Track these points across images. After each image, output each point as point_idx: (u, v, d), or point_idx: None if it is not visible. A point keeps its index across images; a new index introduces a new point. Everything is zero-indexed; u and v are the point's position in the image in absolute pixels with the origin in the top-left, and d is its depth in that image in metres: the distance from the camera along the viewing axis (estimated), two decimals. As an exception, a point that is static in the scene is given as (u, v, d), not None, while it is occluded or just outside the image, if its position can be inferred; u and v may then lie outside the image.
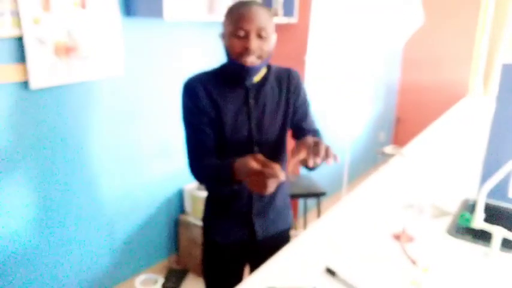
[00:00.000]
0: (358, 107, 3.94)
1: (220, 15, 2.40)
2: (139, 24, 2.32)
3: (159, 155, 2.62)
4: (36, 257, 2.10)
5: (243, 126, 1.39)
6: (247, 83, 1.37)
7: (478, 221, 1.36)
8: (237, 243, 1.55)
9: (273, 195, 1.52)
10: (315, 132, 1.52)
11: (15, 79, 1.84)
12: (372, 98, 4.24)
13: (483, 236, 1.50)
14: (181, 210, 2.85)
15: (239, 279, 1.64)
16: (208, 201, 1.58)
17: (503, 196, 1.65)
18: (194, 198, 2.71)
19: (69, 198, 2.19)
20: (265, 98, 1.41)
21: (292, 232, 1.68)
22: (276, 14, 2.81)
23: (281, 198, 1.56)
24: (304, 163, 1.16)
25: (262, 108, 1.41)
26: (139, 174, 2.53)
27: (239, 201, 1.48)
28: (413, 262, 1.28)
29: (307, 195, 2.74)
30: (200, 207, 2.58)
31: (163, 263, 2.82)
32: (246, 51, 1.27)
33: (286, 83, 1.45)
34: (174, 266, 2.87)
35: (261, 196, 1.48)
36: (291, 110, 1.46)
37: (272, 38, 1.33)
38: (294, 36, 3.07)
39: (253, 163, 1.11)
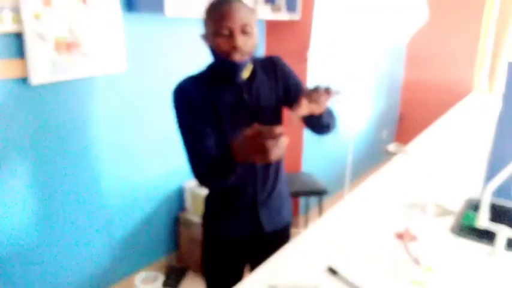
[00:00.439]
0: (361, 104, 3.92)
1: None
2: (141, 20, 2.30)
3: (160, 152, 2.61)
4: (35, 254, 2.10)
5: (241, 122, 1.38)
6: (238, 79, 1.36)
7: (483, 220, 1.35)
8: (243, 237, 1.54)
9: (275, 184, 1.52)
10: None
11: (15, 75, 1.83)
12: (375, 96, 4.22)
13: (487, 236, 1.48)
14: (182, 207, 2.84)
15: (239, 278, 1.63)
16: (210, 199, 1.57)
17: (508, 195, 1.63)
18: (194, 196, 2.70)
19: (69, 195, 2.18)
20: (258, 90, 1.42)
21: (293, 230, 1.67)
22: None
23: (282, 187, 1.57)
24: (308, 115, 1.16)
25: (257, 101, 1.41)
26: (139, 171, 2.52)
27: (244, 195, 1.47)
28: (416, 261, 1.28)
29: (308, 193, 2.72)
30: (200, 205, 2.57)
31: (163, 261, 2.82)
32: (233, 49, 1.27)
33: (272, 70, 1.46)
34: (174, 264, 2.86)
35: (264, 183, 1.48)
36: (284, 93, 1.46)
37: (256, 33, 1.33)
38: (296, 32, 3.06)
39: (247, 131, 1.07)
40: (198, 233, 2.65)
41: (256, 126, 1.05)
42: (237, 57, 1.28)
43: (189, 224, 2.72)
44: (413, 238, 1.44)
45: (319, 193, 2.72)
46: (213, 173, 1.29)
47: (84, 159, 2.21)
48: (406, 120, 4.80)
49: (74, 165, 2.16)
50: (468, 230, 1.58)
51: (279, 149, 1.02)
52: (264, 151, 1.02)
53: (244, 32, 1.27)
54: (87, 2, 1.99)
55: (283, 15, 2.90)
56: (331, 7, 3.14)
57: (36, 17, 1.81)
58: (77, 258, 2.30)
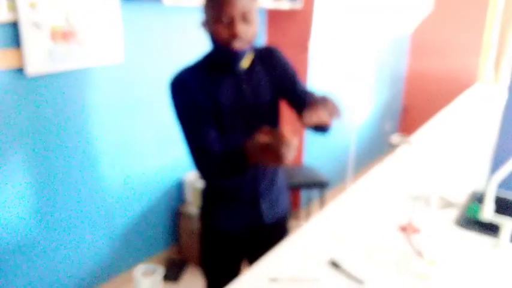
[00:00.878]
0: (364, 95, 3.89)
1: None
2: (139, 9, 2.27)
3: (160, 144, 2.60)
4: (34, 248, 2.09)
5: (241, 113, 1.37)
6: (237, 69, 1.34)
7: (487, 213, 1.34)
8: (243, 229, 1.53)
9: (274, 175, 1.52)
10: (311, 94, 1.50)
11: (10, 66, 1.80)
12: (378, 86, 4.18)
13: (491, 228, 1.48)
14: (182, 200, 2.83)
15: (237, 270, 1.63)
16: (208, 191, 1.55)
17: (512, 187, 1.61)
18: (194, 189, 2.68)
19: (68, 188, 2.17)
20: (257, 81, 1.40)
21: (294, 223, 1.66)
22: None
23: (280, 178, 1.57)
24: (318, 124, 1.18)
25: (255, 91, 1.39)
26: (139, 164, 2.50)
27: (244, 186, 1.46)
28: (420, 254, 1.27)
29: (309, 185, 2.71)
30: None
31: (163, 254, 2.81)
32: (233, 36, 1.24)
33: (270, 60, 1.44)
34: (174, 257, 2.86)
35: (265, 175, 1.48)
36: (280, 84, 1.45)
37: (257, 22, 1.31)
38: (298, 22, 3.03)
39: (261, 137, 1.09)
40: (198, 225, 2.64)
41: (268, 131, 1.08)
42: (237, 45, 1.26)
43: (189, 216, 2.71)
44: (416, 230, 1.43)
45: (320, 185, 2.70)
46: (220, 169, 1.27)
47: (82, 151, 2.19)
48: (410, 112, 4.77)
49: (71, 157, 2.15)
50: (472, 222, 1.57)
51: (291, 152, 1.05)
52: (278, 156, 1.05)
53: (245, 19, 1.25)
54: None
55: (285, 4, 2.87)
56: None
57: (32, 5, 1.78)
58: (77, 251, 2.29)
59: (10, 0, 1.72)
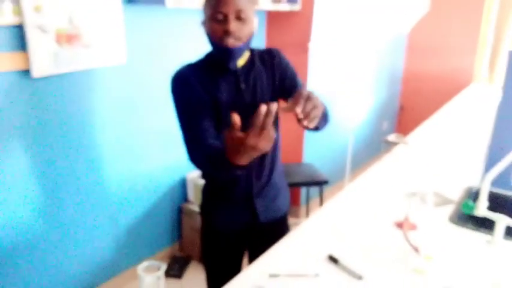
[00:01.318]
0: (362, 95, 3.92)
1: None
2: (141, 12, 2.30)
3: (162, 143, 2.62)
4: (39, 245, 2.11)
5: (239, 111, 1.37)
6: (232, 66, 1.36)
7: (482, 209, 1.35)
8: (239, 227, 1.56)
9: (270, 175, 1.53)
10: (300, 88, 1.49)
11: (16, 67, 1.83)
12: (375, 86, 4.21)
13: (486, 224, 1.49)
14: (184, 198, 2.86)
15: (239, 266, 1.65)
16: (207, 189, 1.58)
17: (507, 184, 1.64)
18: (197, 187, 2.71)
19: (72, 187, 2.19)
20: (255, 81, 1.42)
21: (294, 220, 1.68)
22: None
23: (277, 176, 1.57)
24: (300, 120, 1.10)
25: (254, 91, 1.42)
26: (142, 162, 2.53)
27: (239, 185, 1.48)
28: (416, 250, 1.28)
29: (309, 183, 2.74)
30: (203, 196, 2.59)
31: (166, 251, 2.84)
32: (225, 33, 1.27)
33: (270, 61, 1.46)
34: (178, 254, 2.88)
35: (260, 174, 1.49)
36: (280, 85, 1.46)
37: (252, 21, 1.33)
38: (297, 23, 3.05)
39: (231, 134, 1.02)
40: (199, 223, 2.68)
41: (235, 126, 1.01)
42: (229, 42, 1.28)
43: (191, 214, 2.74)
44: (413, 227, 1.45)
45: (320, 183, 2.73)
46: (209, 164, 1.24)
47: (87, 150, 2.22)
48: (407, 111, 4.80)
49: (76, 156, 2.17)
50: (467, 218, 1.59)
51: (265, 140, 0.99)
52: (251, 149, 1.00)
53: (239, 17, 1.28)
54: (88, -6, 1.99)
55: (284, 6, 2.89)
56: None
57: (37, 9, 1.81)
58: (82, 249, 2.32)
59: (15, 4, 1.75)
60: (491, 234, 1.40)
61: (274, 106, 0.96)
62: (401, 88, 4.79)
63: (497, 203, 1.69)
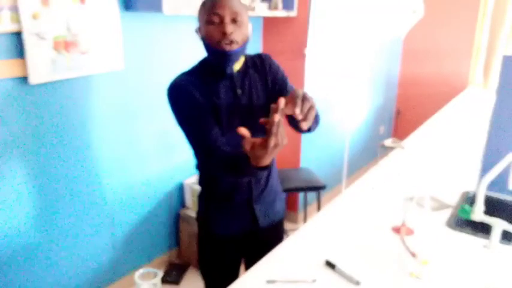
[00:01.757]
0: (358, 99, 3.94)
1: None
2: (139, 18, 2.31)
3: (160, 149, 2.62)
4: (36, 252, 2.11)
5: (236, 115, 1.39)
6: (229, 70, 1.37)
7: (478, 213, 1.36)
8: (238, 233, 1.56)
9: (268, 179, 1.54)
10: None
11: (14, 74, 1.83)
12: (372, 91, 4.23)
13: (483, 228, 1.50)
14: (182, 204, 2.86)
15: (236, 273, 1.65)
16: (205, 196, 1.58)
17: (503, 188, 1.65)
18: (194, 193, 2.71)
19: (70, 193, 2.19)
20: (250, 85, 1.43)
21: (291, 226, 1.69)
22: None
23: (274, 180, 1.59)
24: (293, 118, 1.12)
25: (249, 95, 1.43)
26: (139, 168, 2.53)
27: (239, 190, 1.49)
28: (413, 255, 1.28)
29: (307, 188, 2.74)
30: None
31: (164, 257, 2.83)
32: (223, 36, 1.28)
33: (261, 66, 1.47)
34: (175, 260, 2.88)
35: (259, 179, 1.50)
36: (272, 88, 1.47)
37: (247, 26, 1.34)
38: (293, 29, 3.07)
39: (249, 143, 1.05)
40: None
41: (246, 139, 1.04)
42: (227, 46, 1.29)
43: (189, 220, 2.74)
44: (410, 232, 1.45)
45: (317, 188, 2.73)
46: (232, 170, 1.25)
47: (84, 157, 2.22)
48: (403, 116, 4.82)
49: (74, 163, 2.17)
50: (464, 223, 1.60)
51: (282, 136, 1.02)
52: (273, 149, 1.02)
53: (235, 21, 1.29)
54: (85, 1, 2.00)
55: (280, 12, 2.91)
56: (328, 3, 3.15)
57: (35, 16, 1.82)
58: (79, 255, 2.31)
59: (13, 11, 1.75)
60: (488, 239, 1.40)
61: (282, 102, 0.99)
62: (397, 93, 4.81)
63: (493, 207, 1.70)
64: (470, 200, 1.75)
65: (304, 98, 1.09)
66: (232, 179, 1.47)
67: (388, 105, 4.71)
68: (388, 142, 1.82)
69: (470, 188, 1.82)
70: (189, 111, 1.35)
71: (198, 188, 2.66)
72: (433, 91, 4.48)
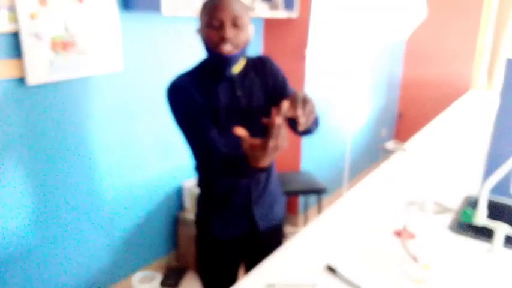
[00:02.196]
0: (360, 102, 3.92)
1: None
2: (137, 19, 2.30)
3: (158, 152, 2.62)
4: (34, 255, 2.10)
5: (236, 116, 1.39)
6: (227, 73, 1.36)
7: (481, 218, 1.36)
8: (237, 236, 1.55)
9: (267, 181, 1.54)
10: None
11: (11, 75, 1.82)
12: (374, 93, 4.22)
13: (485, 233, 1.49)
14: (181, 207, 2.84)
15: (235, 276, 1.64)
16: (203, 199, 1.57)
17: (506, 192, 1.64)
18: (193, 195, 2.70)
19: (68, 195, 2.18)
20: (250, 87, 1.43)
21: (292, 229, 1.67)
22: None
23: (273, 183, 1.58)
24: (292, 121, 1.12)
25: (249, 97, 1.42)
26: (138, 171, 2.52)
27: (238, 193, 1.48)
28: (415, 259, 1.28)
29: (307, 191, 2.73)
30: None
31: (162, 261, 2.82)
32: (222, 40, 1.27)
33: (262, 68, 1.47)
34: (173, 263, 2.86)
35: (258, 181, 1.50)
36: (272, 90, 1.47)
37: (248, 28, 1.34)
38: (294, 30, 3.07)
39: (249, 144, 1.06)
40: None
41: (245, 139, 1.05)
42: (226, 49, 1.28)
43: (188, 223, 2.73)
44: (411, 236, 1.44)
45: (317, 191, 2.72)
46: (231, 172, 1.26)
47: (83, 159, 2.21)
48: (405, 118, 4.81)
49: (72, 165, 2.16)
50: (466, 227, 1.59)
51: (283, 139, 1.02)
52: (272, 151, 1.03)
53: (235, 24, 1.28)
54: (84, 1, 1.99)
55: (281, 13, 2.90)
56: (329, 4, 3.14)
57: (32, 16, 1.81)
58: (77, 258, 2.30)
59: (11, 11, 1.74)
60: (490, 243, 1.39)
61: (285, 105, 1.00)
62: (399, 95, 4.80)
63: (496, 211, 1.68)
64: (472, 204, 1.73)
65: (305, 101, 1.09)
66: (231, 181, 1.46)
67: (390, 108, 4.69)
68: (389, 145, 1.81)
69: (473, 192, 1.81)
70: (187, 112, 1.34)
71: (197, 190, 2.65)
72: (435, 93, 4.47)
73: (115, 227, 2.47)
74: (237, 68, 1.40)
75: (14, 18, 1.76)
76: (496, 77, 4.03)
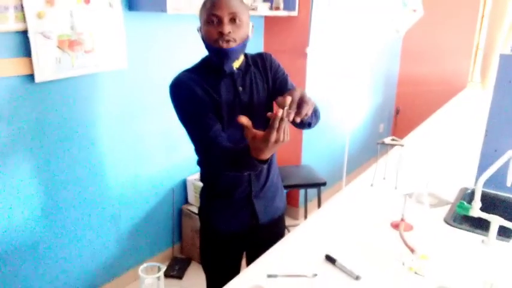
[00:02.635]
0: (358, 98, 3.96)
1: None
2: (141, 17, 2.33)
3: (163, 147, 2.65)
4: (42, 247, 2.14)
5: (237, 112, 1.40)
6: (227, 68, 1.38)
7: (476, 210, 1.38)
8: (239, 229, 1.58)
9: (268, 175, 1.56)
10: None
11: (20, 72, 1.86)
12: (371, 90, 4.25)
13: (480, 225, 1.52)
14: (185, 200, 2.89)
15: (238, 267, 1.67)
16: (206, 192, 1.60)
17: (501, 185, 1.67)
18: (197, 189, 2.74)
19: (75, 189, 2.22)
20: (251, 83, 1.45)
21: (292, 222, 1.70)
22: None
23: (275, 177, 1.60)
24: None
25: (250, 93, 1.45)
26: (143, 165, 2.56)
27: (239, 187, 1.51)
28: (412, 250, 1.30)
29: (307, 185, 2.77)
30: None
31: (167, 252, 2.87)
32: (220, 36, 1.30)
33: (262, 64, 1.49)
34: (178, 255, 2.91)
35: (259, 175, 1.52)
36: (273, 85, 1.50)
37: (247, 25, 1.36)
38: (295, 28, 3.08)
39: (252, 134, 1.09)
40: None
41: (247, 129, 1.08)
42: (224, 44, 1.31)
43: (192, 216, 2.77)
44: (409, 227, 1.47)
45: (317, 185, 2.76)
46: (233, 165, 1.27)
47: (89, 153, 2.24)
48: (402, 115, 4.83)
49: (79, 159, 2.20)
50: (462, 219, 1.63)
51: (285, 132, 1.04)
52: (274, 143, 1.06)
53: (233, 21, 1.31)
54: (90, 2, 2.02)
55: (281, 12, 2.92)
56: (329, 2, 3.16)
57: (39, 15, 1.84)
58: (83, 251, 2.34)
59: (19, 11, 1.77)
60: (485, 235, 1.42)
61: (288, 100, 1.03)
62: (396, 91, 4.82)
63: (491, 203, 1.72)
64: (468, 196, 1.77)
65: (303, 101, 1.11)
66: (233, 175, 1.49)
67: (388, 104, 4.72)
68: (387, 140, 1.84)
69: (469, 184, 1.84)
70: (190, 108, 1.37)
71: (200, 184, 2.69)
72: (432, 90, 4.49)
73: (121, 220, 2.51)
74: (236, 63, 1.42)
75: (22, 18, 1.79)
76: (491, 75, 4.03)
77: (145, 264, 1.11)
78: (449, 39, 4.31)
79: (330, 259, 1.30)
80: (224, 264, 1.64)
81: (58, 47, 1.94)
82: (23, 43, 1.84)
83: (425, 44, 4.45)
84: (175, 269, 2.74)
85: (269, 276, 1.22)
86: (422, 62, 4.53)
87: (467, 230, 1.49)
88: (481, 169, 1.72)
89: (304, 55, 3.07)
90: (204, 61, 1.46)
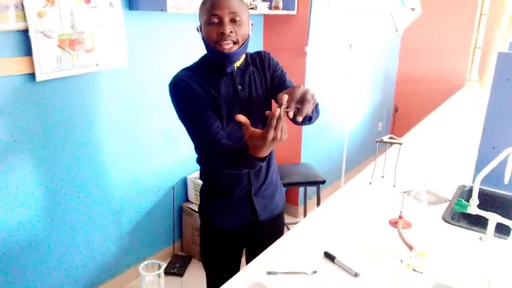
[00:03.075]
0: (357, 97, 3.97)
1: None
2: (141, 16, 2.34)
3: (164, 145, 2.66)
4: (44, 245, 2.15)
5: (235, 111, 1.41)
6: (229, 70, 1.39)
7: (474, 207, 1.39)
8: (239, 226, 1.58)
9: (267, 173, 1.56)
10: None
11: (21, 71, 1.87)
12: (370, 88, 4.26)
13: (478, 222, 1.53)
14: (186, 198, 2.90)
15: (238, 264, 1.68)
16: (206, 190, 1.61)
17: (499, 183, 1.68)
18: (197, 187, 2.75)
19: (76, 187, 2.23)
20: (250, 81, 1.46)
21: (292, 219, 1.71)
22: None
23: (274, 174, 1.61)
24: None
25: (249, 91, 1.45)
26: (144, 163, 2.57)
27: (239, 184, 1.51)
28: (410, 247, 1.31)
29: (307, 183, 2.78)
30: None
31: (168, 250, 2.88)
32: (221, 36, 1.30)
33: (261, 63, 1.50)
34: (179, 253, 2.93)
35: (258, 173, 1.53)
36: (272, 84, 1.50)
37: (247, 25, 1.37)
38: (294, 27, 3.08)
39: (250, 132, 1.10)
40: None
41: (245, 126, 1.09)
42: (226, 46, 1.31)
43: (192, 213, 2.78)
44: (407, 225, 1.49)
45: (317, 183, 2.77)
46: (232, 163, 1.27)
47: (90, 152, 2.25)
48: (401, 113, 4.84)
49: (80, 157, 2.21)
50: (460, 216, 1.64)
51: (282, 131, 1.05)
52: (271, 141, 1.06)
53: (233, 20, 1.31)
54: (90, 1, 2.03)
55: (280, 12, 2.93)
56: (328, 1, 3.17)
57: (40, 15, 1.85)
58: (84, 248, 2.35)
59: (19, 10, 1.78)
60: (483, 232, 1.43)
61: (285, 98, 1.03)
62: (395, 90, 4.83)
63: (489, 201, 1.74)
64: (466, 194, 1.78)
65: (304, 100, 1.10)
66: (232, 173, 1.49)
67: (386, 102, 4.73)
68: (386, 138, 1.85)
69: (467, 182, 1.85)
70: (189, 106, 1.37)
71: (200, 182, 2.70)
72: (430, 88, 4.50)
73: (122, 218, 2.52)
74: (238, 63, 1.43)
75: (22, 17, 1.80)
76: (489, 74, 4.04)
77: (145, 262, 1.12)
78: (447, 37, 4.32)
79: (329, 256, 1.31)
80: (224, 261, 1.65)
81: (59, 46, 1.94)
82: (24, 42, 1.84)
83: (424, 43, 4.46)
84: (176, 267, 2.75)
85: (269, 273, 1.23)
86: (420, 60, 4.54)
87: (465, 228, 1.50)
88: (479, 167, 1.74)
89: (304, 54, 3.08)
90: (203, 60, 1.47)
